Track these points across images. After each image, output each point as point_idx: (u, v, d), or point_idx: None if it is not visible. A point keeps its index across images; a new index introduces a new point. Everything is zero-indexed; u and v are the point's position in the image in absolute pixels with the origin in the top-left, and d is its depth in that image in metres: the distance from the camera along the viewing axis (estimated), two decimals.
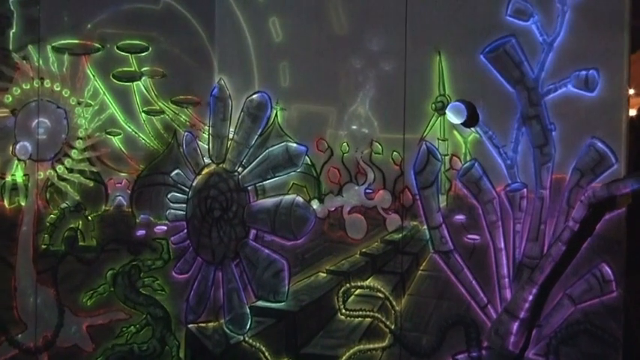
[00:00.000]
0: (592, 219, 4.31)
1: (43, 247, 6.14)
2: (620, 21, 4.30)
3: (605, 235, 4.33)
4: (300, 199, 5.19)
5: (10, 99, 6.15)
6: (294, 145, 5.26)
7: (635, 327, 4.48)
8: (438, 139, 4.84)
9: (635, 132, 4.71)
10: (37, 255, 6.16)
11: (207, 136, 5.61)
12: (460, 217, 4.77)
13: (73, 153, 6.10)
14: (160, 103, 5.88)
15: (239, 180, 5.44)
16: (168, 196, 5.77)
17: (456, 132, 4.79)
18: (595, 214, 4.30)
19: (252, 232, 5.40)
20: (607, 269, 4.38)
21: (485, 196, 4.67)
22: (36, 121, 6.03)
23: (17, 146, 6.06)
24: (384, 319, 5.07)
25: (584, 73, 4.37)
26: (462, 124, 4.67)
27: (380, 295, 5.03)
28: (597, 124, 4.37)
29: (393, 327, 5.00)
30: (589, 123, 4.39)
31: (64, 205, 6.12)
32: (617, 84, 4.33)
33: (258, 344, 5.43)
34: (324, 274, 5.22)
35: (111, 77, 5.93)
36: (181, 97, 5.79)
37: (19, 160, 6.10)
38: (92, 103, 6.02)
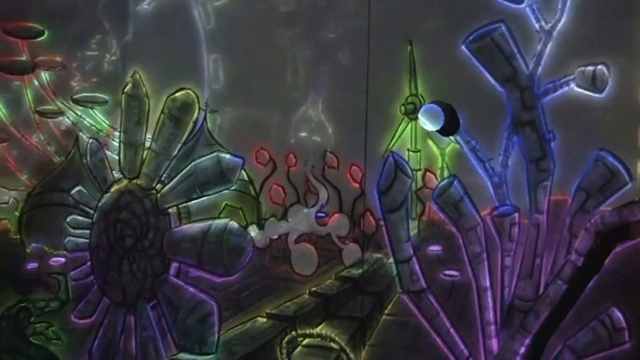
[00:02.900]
0: (600, 251, 4.17)
1: None
2: (636, 4, 4.23)
3: (617, 271, 4.19)
4: (234, 224, 5.05)
5: None
6: (228, 156, 5.11)
7: None
8: (409, 150, 4.75)
9: None
10: None
11: (117, 145, 5.50)
12: (435, 249, 4.67)
13: None
14: (58, 103, 5.72)
15: (157, 200, 5.31)
16: (68, 219, 5.67)
17: (430, 141, 4.70)
18: (604, 245, 4.16)
19: (174, 265, 5.28)
20: (618, 315, 4.23)
21: (466, 222, 4.52)
22: None
23: None
24: None
25: (591, 68, 4.25)
26: (438, 131, 4.55)
27: (334, 345, 4.90)
28: (607, 133, 4.27)
29: None
30: (597, 131, 4.29)
31: None
32: (631, 82, 4.22)
33: None
34: (264, 319, 5.10)
35: None
36: (85, 94, 5.66)
37: None
38: None
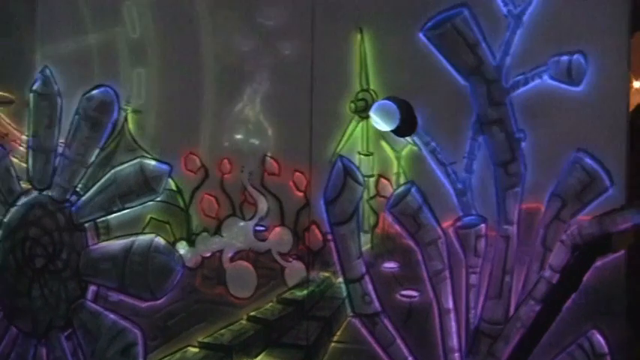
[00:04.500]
0: (578, 267, 4.10)
1: None
2: None
3: (597, 289, 4.12)
4: (160, 240, 4.95)
5: None
6: (153, 162, 5.01)
7: None
8: (360, 153, 4.62)
9: None
10: None
11: (25, 151, 5.37)
12: (391, 266, 4.54)
13: None
14: None
15: (72, 213, 5.18)
16: None
17: (384, 143, 4.59)
18: (582, 259, 4.10)
19: (92, 289, 5.15)
20: (599, 338, 4.16)
21: (426, 234, 4.44)
22: None
23: None
24: None
25: (566, 58, 4.17)
26: (392, 131, 4.47)
27: None
28: (585, 131, 4.17)
29: None
30: (573, 129, 4.18)
31: None
32: (613, 73, 4.11)
33: None
34: (196, 350, 4.95)
35: None
36: None
37: None
38: None
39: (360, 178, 4.55)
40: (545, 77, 4.21)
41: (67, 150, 5.16)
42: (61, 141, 5.18)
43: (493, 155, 4.32)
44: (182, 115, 5.00)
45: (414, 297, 4.48)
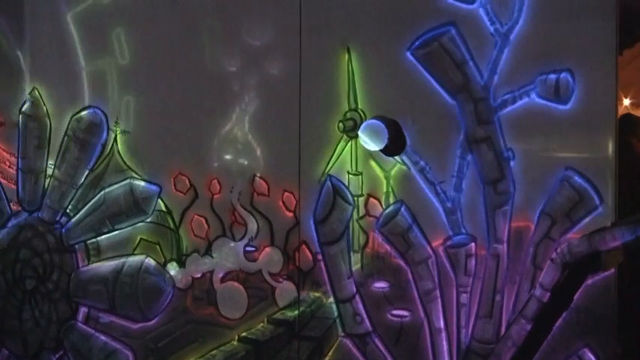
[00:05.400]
0: (569, 285, 4.03)
1: None
2: (605, 3, 4.11)
3: (588, 308, 4.09)
4: (150, 261, 4.94)
5: None
6: (142, 183, 4.99)
7: None
8: (349, 172, 4.59)
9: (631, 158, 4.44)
10: None
11: (14, 172, 5.35)
12: (381, 285, 4.52)
13: None
14: None
15: (62, 235, 5.16)
16: None
17: (373, 163, 4.55)
18: (572, 278, 4.03)
19: (83, 310, 5.14)
20: (590, 357, 4.12)
21: (416, 254, 4.42)
22: None
23: None
24: None
25: (553, 76, 4.14)
26: (381, 151, 4.42)
27: None
28: (573, 150, 4.16)
29: None
30: (562, 148, 4.18)
31: None
32: (601, 91, 4.07)
33: None
34: None
35: None
36: None
37: None
38: None
39: (350, 197, 4.53)
40: (533, 95, 4.18)
41: (56, 171, 5.14)
42: (50, 162, 5.17)
43: (482, 174, 4.28)
44: (171, 136, 4.97)
45: (405, 316, 4.44)
